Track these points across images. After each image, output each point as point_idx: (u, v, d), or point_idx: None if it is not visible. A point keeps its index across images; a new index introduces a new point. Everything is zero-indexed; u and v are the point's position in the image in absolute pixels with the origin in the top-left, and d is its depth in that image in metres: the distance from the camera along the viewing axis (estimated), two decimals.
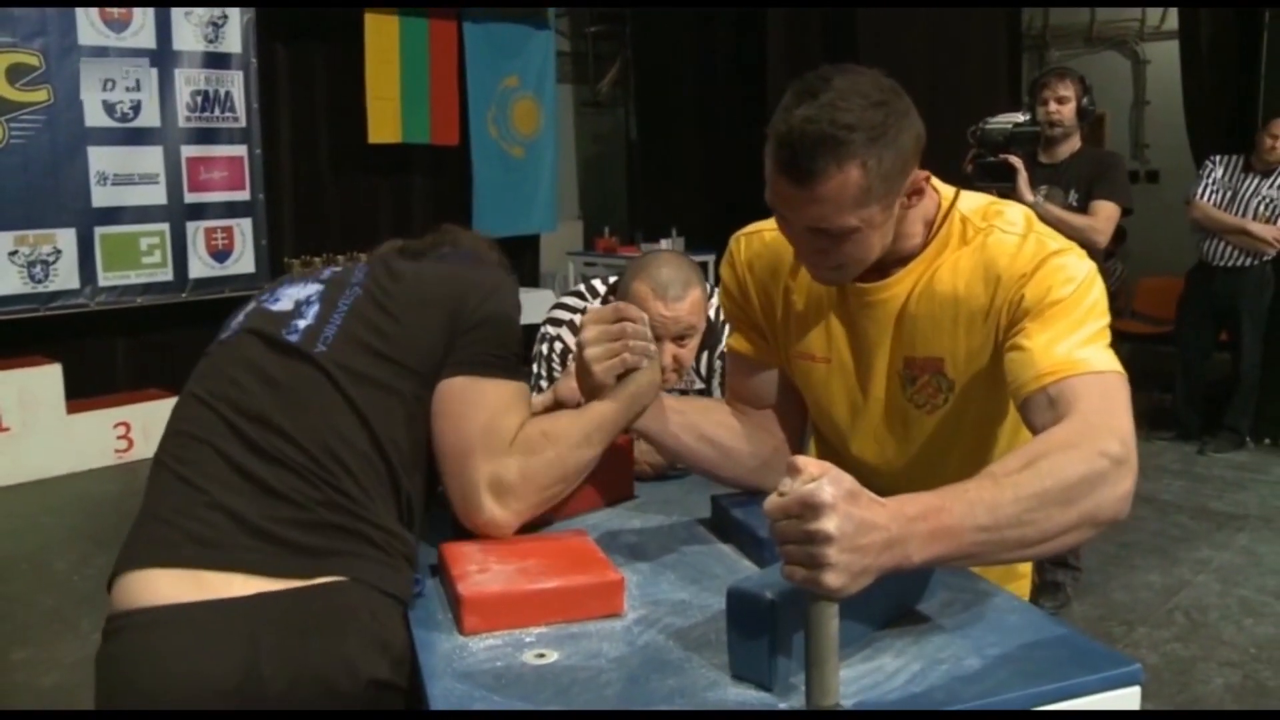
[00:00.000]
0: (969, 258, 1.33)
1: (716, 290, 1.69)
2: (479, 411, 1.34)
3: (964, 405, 1.38)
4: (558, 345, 2.26)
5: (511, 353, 1.40)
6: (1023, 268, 1.27)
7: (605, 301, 2.27)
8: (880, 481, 1.02)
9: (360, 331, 1.35)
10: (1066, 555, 3.47)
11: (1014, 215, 1.34)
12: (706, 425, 1.52)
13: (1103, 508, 1.07)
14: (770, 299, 1.51)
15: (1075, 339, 1.20)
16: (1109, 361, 1.19)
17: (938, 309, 1.34)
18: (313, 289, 1.43)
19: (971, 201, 1.37)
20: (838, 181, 1.18)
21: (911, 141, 1.23)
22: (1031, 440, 1.15)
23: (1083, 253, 1.30)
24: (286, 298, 1.43)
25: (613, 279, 2.36)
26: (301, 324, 1.37)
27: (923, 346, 1.37)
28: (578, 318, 2.25)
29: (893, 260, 1.36)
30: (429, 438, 1.35)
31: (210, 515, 1.21)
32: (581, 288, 2.39)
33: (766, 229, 1.50)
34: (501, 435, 1.35)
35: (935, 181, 1.36)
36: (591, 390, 1.45)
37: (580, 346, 1.43)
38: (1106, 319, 1.25)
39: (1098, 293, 1.26)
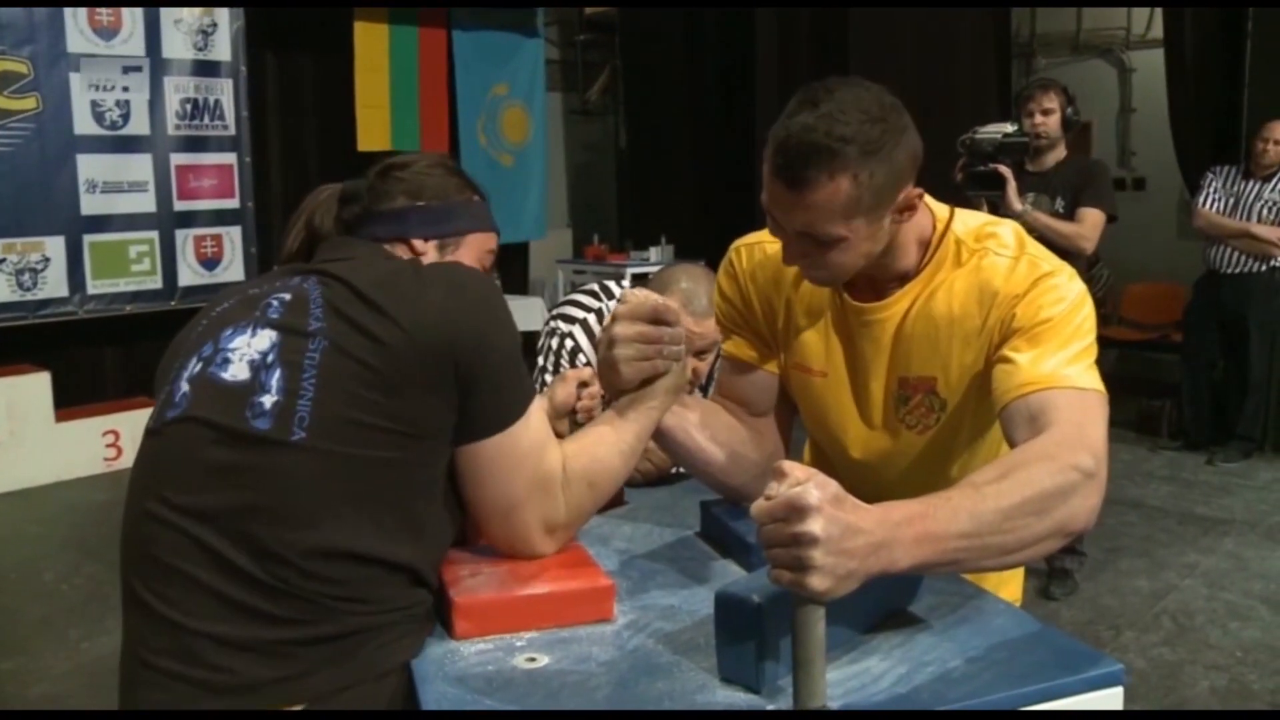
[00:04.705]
0: (964, 279, 1.35)
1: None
2: (521, 465, 1.25)
3: (955, 425, 1.41)
4: (568, 343, 2.24)
5: (520, 375, 1.26)
6: (1016, 288, 1.30)
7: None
8: (872, 494, 1.04)
9: (343, 405, 1.14)
10: (1074, 542, 3.48)
11: (1007, 236, 1.36)
12: (717, 427, 1.51)
13: (1074, 518, 1.10)
14: (772, 308, 1.52)
15: (1061, 356, 1.24)
16: (1091, 380, 1.23)
17: (933, 329, 1.37)
18: (266, 339, 1.20)
19: (965, 223, 1.39)
20: (828, 191, 1.20)
21: (907, 159, 1.25)
22: (1010, 452, 1.18)
23: (1074, 273, 1.32)
24: (237, 357, 1.20)
25: (625, 283, 2.35)
26: (267, 402, 1.15)
27: (917, 366, 1.39)
28: (591, 317, 2.26)
29: (890, 279, 1.38)
30: (445, 492, 1.25)
31: (218, 659, 1.11)
32: (595, 286, 2.37)
33: (767, 241, 1.50)
34: (549, 480, 1.29)
35: (931, 201, 1.37)
36: (615, 385, 1.39)
37: (612, 340, 1.36)
38: (1092, 338, 1.28)
39: (1086, 313, 1.29)
